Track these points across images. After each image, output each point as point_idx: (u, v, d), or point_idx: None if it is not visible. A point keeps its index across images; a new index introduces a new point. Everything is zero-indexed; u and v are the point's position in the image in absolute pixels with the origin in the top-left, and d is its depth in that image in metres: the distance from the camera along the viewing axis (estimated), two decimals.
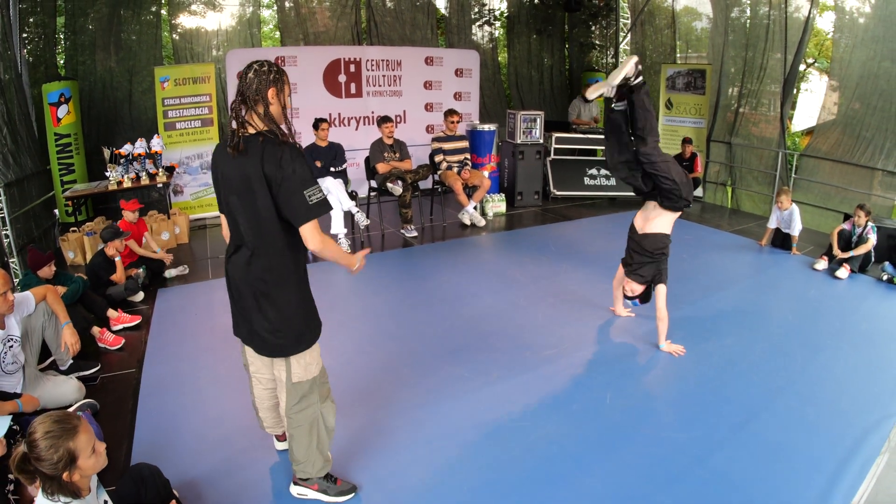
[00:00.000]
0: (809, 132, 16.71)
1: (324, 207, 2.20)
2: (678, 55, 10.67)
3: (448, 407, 3.39)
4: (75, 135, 7.14)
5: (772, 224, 6.71)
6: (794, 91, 8.72)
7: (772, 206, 8.36)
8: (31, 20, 7.19)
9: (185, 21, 8.47)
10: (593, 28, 12.13)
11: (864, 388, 3.76)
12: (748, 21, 9.19)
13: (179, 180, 7.41)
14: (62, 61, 7.85)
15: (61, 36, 7.72)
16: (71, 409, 3.14)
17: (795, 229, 6.48)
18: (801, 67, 8.54)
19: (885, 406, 3.55)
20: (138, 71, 8.08)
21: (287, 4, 8.89)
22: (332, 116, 8.12)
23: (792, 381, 3.79)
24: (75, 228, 6.05)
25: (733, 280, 5.68)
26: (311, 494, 2.62)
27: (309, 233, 2.19)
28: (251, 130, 2.17)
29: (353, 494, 2.65)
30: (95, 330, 4.17)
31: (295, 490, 2.65)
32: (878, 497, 2.81)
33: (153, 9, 8.13)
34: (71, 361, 3.73)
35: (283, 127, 2.21)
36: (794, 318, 4.86)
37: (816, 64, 17.84)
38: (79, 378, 3.60)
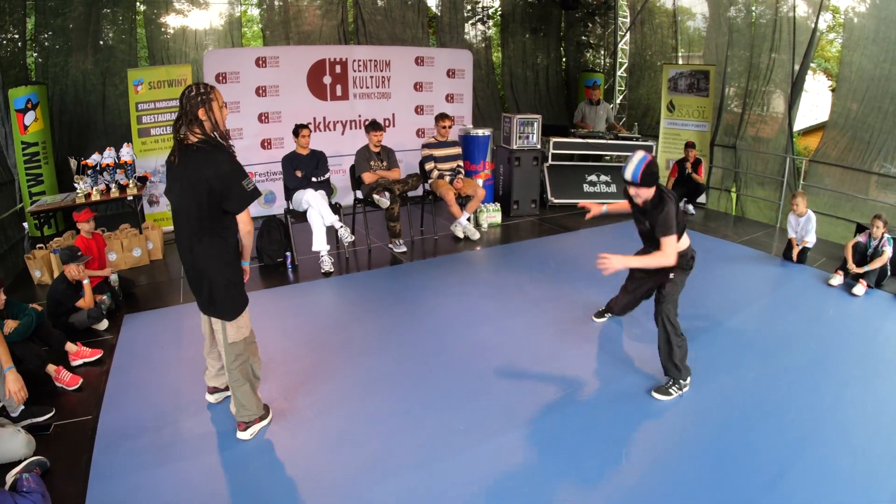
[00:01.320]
0: (807, 132, 16.49)
1: (256, 194, 2.81)
2: (680, 54, 10.34)
3: (443, 468, 2.95)
4: (44, 143, 6.68)
5: (791, 233, 6.39)
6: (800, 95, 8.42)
7: (779, 213, 8.08)
8: (6, 20, 6.73)
9: (164, 20, 8.02)
10: (590, 27, 11.75)
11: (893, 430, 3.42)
12: (751, 21, 8.89)
13: (155, 190, 6.99)
14: (35, 64, 7.38)
15: (35, 37, 7.26)
16: (16, 471, 2.74)
17: (810, 239, 6.20)
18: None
19: None
20: (114, 73, 7.63)
21: (276, 3, 8.46)
22: (317, 121, 7.71)
23: (822, 424, 3.43)
24: (42, 245, 5.63)
25: (748, 299, 5.32)
26: (256, 427, 3.18)
27: (244, 217, 2.85)
28: (192, 139, 2.72)
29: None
30: (51, 368, 3.76)
31: (246, 433, 3.15)
32: None
33: (131, 7, 7.67)
34: (22, 408, 3.32)
35: (216, 136, 2.77)
36: (816, 344, 4.49)
37: (813, 64, 17.64)
38: (31, 426, 3.22)
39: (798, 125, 16.11)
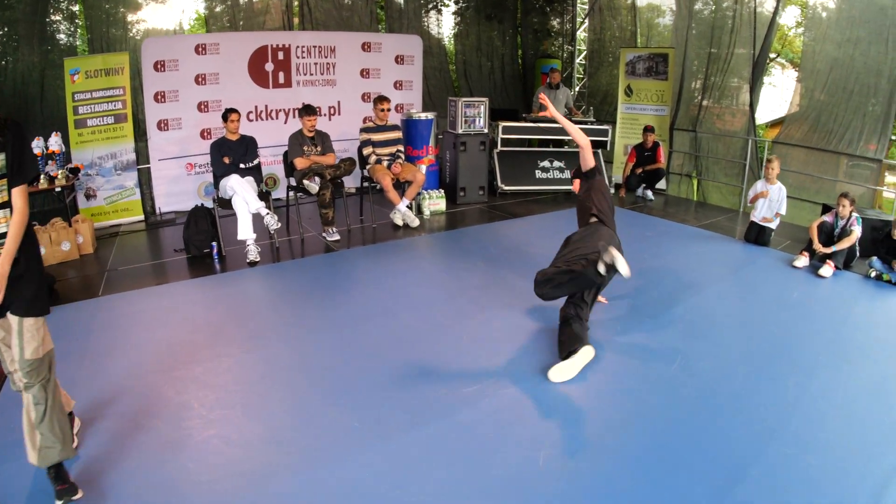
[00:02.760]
0: (774, 124, 16.49)
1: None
2: (640, 40, 10.23)
3: (325, 473, 2.58)
4: None
5: (757, 188, 6.28)
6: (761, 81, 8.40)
7: (741, 198, 7.99)
8: None
9: (106, 7, 7.77)
10: (549, 13, 11.62)
11: (869, 421, 3.11)
12: (713, 14, 8.83)
13: (92, 183, 6.78)
14: None
15: None
16: None
17: (783, 210, 6.12)
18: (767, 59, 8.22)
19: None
20: (56, 65, 7.39)
21: None
22: (258, 109, 7.53)
23: (786, 419, 3.09)
24: None
25: (706, 282, 5.09)
26: None
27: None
28: None
29: None
30: None
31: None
32: None
33: None
34: None
35: None
36: (780, 329, 4.22)
37: (779, 58, 17.73)
38: None
39: (765, 118, 16.14)
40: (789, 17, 18.59)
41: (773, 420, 3.08)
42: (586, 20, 10.93)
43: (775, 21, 8.13)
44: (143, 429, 2.89)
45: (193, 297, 4.69)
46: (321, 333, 4.00)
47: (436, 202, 7.14)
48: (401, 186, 6.51)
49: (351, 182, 7.47)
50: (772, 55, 15.82)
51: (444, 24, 10.56)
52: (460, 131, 7.46)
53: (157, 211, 7.18)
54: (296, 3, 8.50)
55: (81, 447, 2.73)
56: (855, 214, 5.53)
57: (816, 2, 8.15)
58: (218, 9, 8.22)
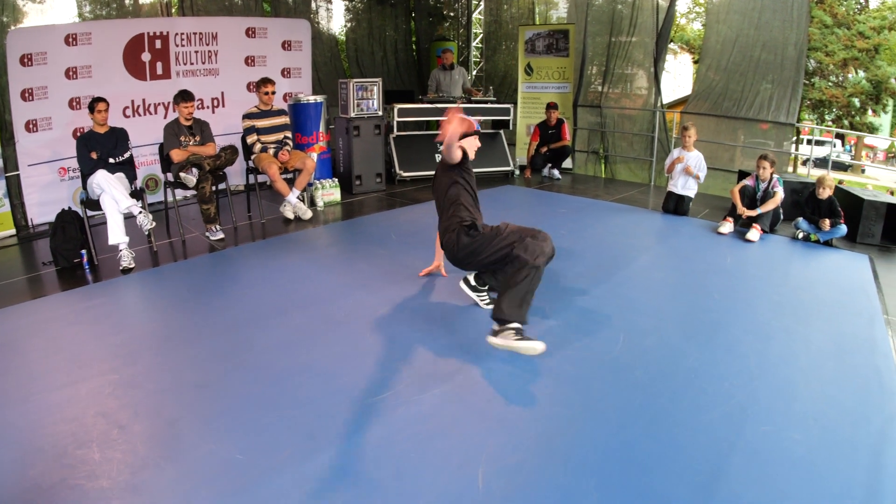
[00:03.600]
0: (671, 106, 17.26)
1: None
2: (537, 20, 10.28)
3: None
4: None
5: (673, 155, 6.34)
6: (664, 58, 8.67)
7: (651, 171, 8.12)
8: None
9: None
10: None
11: (842, 383, 3.00)
12: (611, 5, 9.03)
13: None
14: None
15: None
16: None
17: (703, 174, 6.20)
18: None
19: (878, 403, 2.82)
20: None
21: None
22: (136, 103, 6.99)
23: (754, 392, 2.87)
24: None
25: (633, 254, 4.95)
26: None
27: None
28: None
29: None
30: None
31: None
32: None
33: None
34: None
35: None
36: (721, 296, 4.10)
37: (672, 44, 18.59)
38: None
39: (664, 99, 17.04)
40: (682, 5, 19.73)
41: (741, 395, 2.83)
42: (482, 2, 10.85)
43: (673, 6, 8.40)
44: None
45: (58, 314, 4.10)
46: (198, 344, 3.46)
47: (330, 192, 6.83)
48: (288, 176, 6.17)
49: (238, 180, 7.08)
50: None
51: (335, 12, 10.23)
52: (353, 115, 7.19)
53: (30, 223, 6.52)
54: None
55: None
56: (776, 176, 5.66)
57: None
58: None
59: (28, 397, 2.91)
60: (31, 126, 6.41)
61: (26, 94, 6.33)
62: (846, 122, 19.58)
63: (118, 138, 5.34)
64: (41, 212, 6.50)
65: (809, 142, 15.57)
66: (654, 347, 3.35)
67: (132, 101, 6.98)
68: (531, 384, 2.97)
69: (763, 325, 3.68)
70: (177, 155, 5.49)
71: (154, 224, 5.04)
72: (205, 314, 3.93)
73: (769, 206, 5.56)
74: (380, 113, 7.39)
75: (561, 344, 3.35)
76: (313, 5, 9.69)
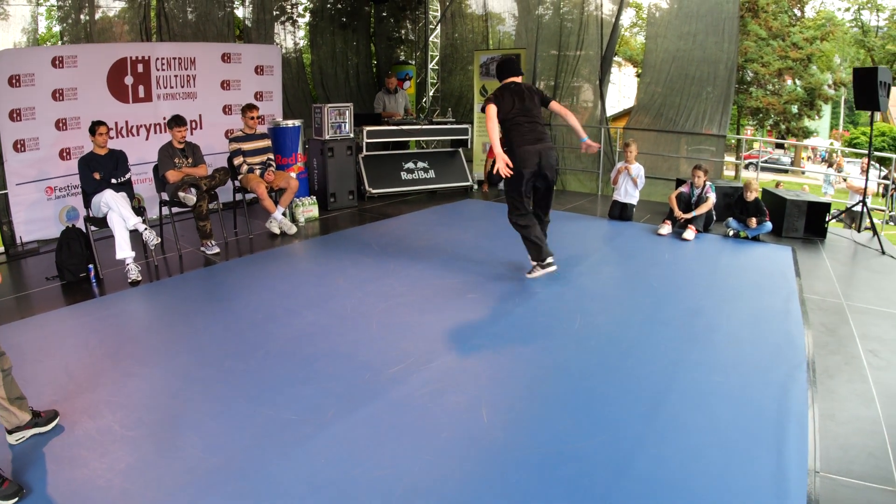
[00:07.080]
0: (616, 118, 18.21)
1: None
2: (491, 44, 11.00)
3: (276, 469, 2.60)
4: None
5: (617, 167, 7.02)
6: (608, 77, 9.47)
7: (598, 182, 8.87)
8: None
9: None
10: (401, 22, 12.17)
11: (757, 343, 3.89)
12: (558, 19, 9.79)
13: None
14: None
15: None
16: None
17: (642, 182, 6.90)
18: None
19: (786, 357, 3.69)
20: None
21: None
22: (119, 125, 7.36)
23: (686, 351, 3.76)
24: None
25: (585, 254, 5.73)
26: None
27: None
28: None
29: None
30: None
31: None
32: (829, 452, 2.80)
33: None
34: None
35: None
36: (660, 284, 4.94)
37: (616, 57, 19.63)
38: None
39: (607, 112, 17.91)
40: (626, 19, 20.56)
41: (675, 353, 3.71)
42: (438, 27, 11.58)
43: (618, 23, 9.22)
44: (67, 462, 2.71)
45: (78, 322, 4.44)
46: (227, 340, 3.96)
47: (309, 209, 7.37)
48: (274, 195, 6.69)
49: (222, 197, 7.53)
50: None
51: (299, 35, 10.81)
52: (327, 137, 7.78)
53: (19, 241, 6.73)
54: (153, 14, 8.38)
55: None
56: (709, 183, 6.50)
57: (651, 3, 9.34)
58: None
59: (77, 393, 3.31)
60: (18, 146, 6.62)
61: (14, 115, 6.54)
62: (783, 127, 21.22)
63: (118, 160, 5.72)
64: (28, 230, 6.70)
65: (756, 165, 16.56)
66: (605, 323, 4.23)
67: (116, 124, 7.30)
68: (513, 353, 3.83)
69: (694, 304, 4.59)
70: (172, 176, 5.93)
71: (158, 240, 5.48)
72: (224, 316, 4.44)
73: (702, 209, 6.41)
74: (352, 135, 7.99)
75: (531, 325, 4.23)
76: (279, 30, 10.25)
